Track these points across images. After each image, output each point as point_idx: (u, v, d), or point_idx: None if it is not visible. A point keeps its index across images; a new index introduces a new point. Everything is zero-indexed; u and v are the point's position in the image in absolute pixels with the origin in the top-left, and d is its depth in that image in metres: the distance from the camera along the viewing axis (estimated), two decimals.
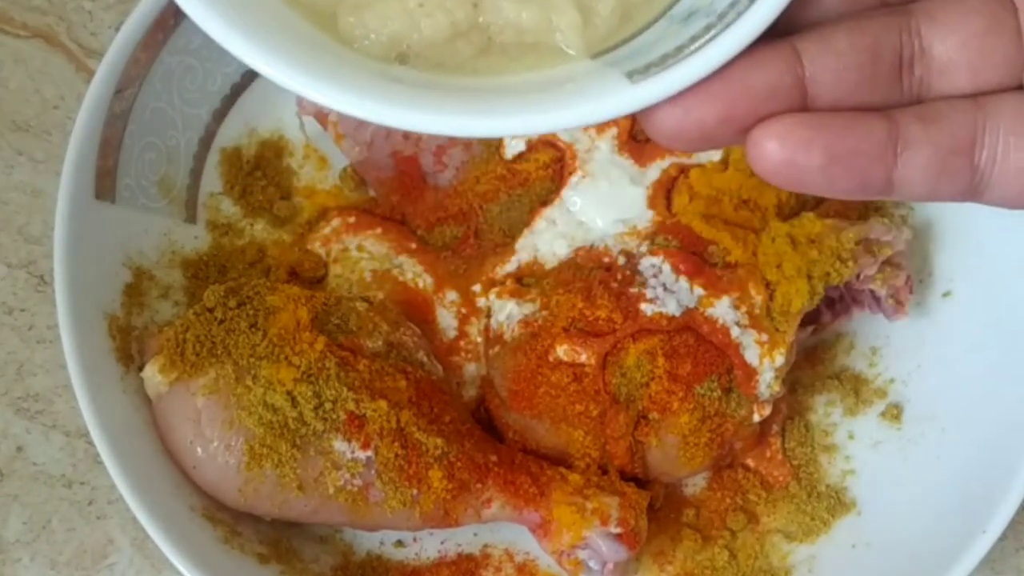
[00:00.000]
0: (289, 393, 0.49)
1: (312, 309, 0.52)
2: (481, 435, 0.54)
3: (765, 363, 0.52)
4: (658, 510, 0.56)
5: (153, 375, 0.51)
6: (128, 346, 0.53)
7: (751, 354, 0.52)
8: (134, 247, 0.55)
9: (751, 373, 0.52)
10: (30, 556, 0.55)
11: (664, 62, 0.32)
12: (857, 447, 0.57)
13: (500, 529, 0.56)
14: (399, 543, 0.56)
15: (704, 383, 0.52)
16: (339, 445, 0.50)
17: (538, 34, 0.35)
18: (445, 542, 0.56)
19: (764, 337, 0.52)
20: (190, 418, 0.50)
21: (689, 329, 0.52)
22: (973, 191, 0.33)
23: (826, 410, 0.58)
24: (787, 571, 0.55)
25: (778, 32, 0.32)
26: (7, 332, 0.58)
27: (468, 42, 0.36)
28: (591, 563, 0.53)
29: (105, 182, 0.54)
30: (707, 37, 0.32)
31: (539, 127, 0.33)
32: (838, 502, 0.56)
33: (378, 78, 0.34)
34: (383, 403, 0.50)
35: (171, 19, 0.54)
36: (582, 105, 0.32)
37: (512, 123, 0.32)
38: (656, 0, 0.36)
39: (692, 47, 0.32)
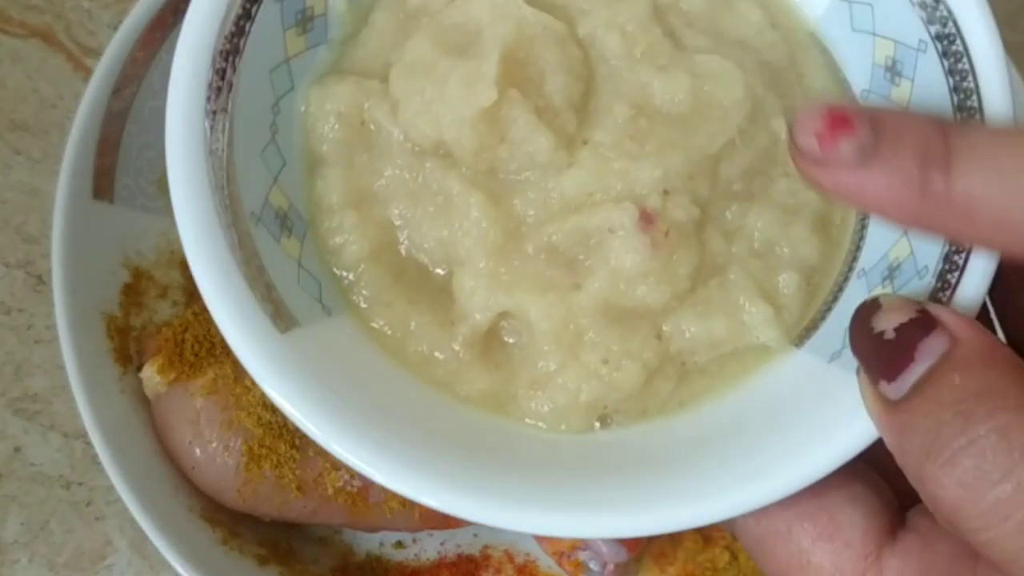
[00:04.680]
0: None
1: None
2: None
3: None
4: None
5: (152, 375, 0.51)
6: (126, 346, 0.53)
7: None
8: (132, 247, 0.55)
9: None
10: (28, 557, 0.55)
11: None
12: None
13: (500, 530, 0.55)
14: (399, 544, 0.56)
15: None
16: None
17: (733, 340, 0.33)
18: (445, 543, 0.56)
19: None
20: (189, 419, 0.50)
21: None
22: None
23: None
24: None
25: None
26: (5, 332, 0.58)
27: (665, 378, 0.33)
28: (591, 564, 0.52)
29: (103, 182, 0.53)
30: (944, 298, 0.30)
31: (788, 487, 0.30)
32: None
33: (572, 488, 0.31)
34: None
35: (169, 17, 0.53)
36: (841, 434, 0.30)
37: (761, 493, 0.30)
38: (833, 258, 0.34)
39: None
